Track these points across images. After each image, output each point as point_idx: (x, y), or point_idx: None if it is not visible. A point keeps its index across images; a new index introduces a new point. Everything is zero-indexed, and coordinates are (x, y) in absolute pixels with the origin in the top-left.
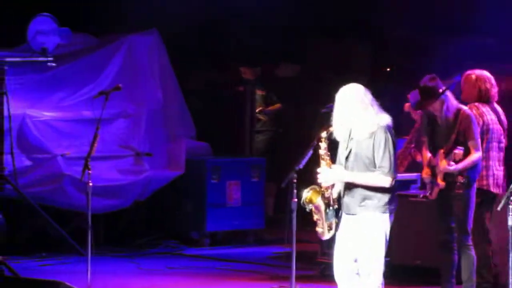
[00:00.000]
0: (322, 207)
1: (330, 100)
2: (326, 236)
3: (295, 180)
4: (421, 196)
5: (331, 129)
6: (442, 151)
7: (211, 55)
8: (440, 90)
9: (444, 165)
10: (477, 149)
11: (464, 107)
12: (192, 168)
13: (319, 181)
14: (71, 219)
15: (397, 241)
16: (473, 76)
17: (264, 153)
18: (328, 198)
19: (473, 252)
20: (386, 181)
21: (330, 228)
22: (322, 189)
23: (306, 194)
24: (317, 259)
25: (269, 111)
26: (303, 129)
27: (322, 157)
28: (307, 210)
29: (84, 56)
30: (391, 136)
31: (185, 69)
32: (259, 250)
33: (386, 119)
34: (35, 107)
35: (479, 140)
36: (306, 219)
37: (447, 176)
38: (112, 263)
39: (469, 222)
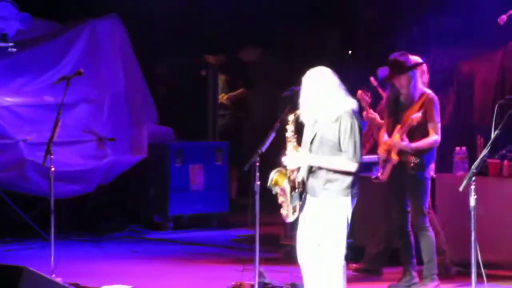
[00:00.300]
0: (288, 189)
1: (294, 83)
2: (291, 218)
3: (258, 164)
4: (373, 177)
5: (298, 111)
6: (399, 126)
7: (178, 41)
8: (409, 66)
9: (397, 139)
10: (436, 133)
11: (429, 91)
12: (155, 152)
13: (285, 163)
14: (34, 205)
15: (360, 222)
16: None
17: (227, 138)
18: (294, 181)
19: (430, 233)
20: (351, 166)
21: (294, 211)
22: (288, 172)
23: (273, 176)
24: (281, 242)
25: (232, 96)
26: (267, 113)
27: (289, 139)
28: (273, 192)
29: (45, 42)
30: (357, 121)
31: (151, 55)
32: (223, 233)
33: (352, 103)
34: None
35: (439, 124)
36: (270, 202)
37: (400, 155)
38: (76, 247)
39: (425, 203)
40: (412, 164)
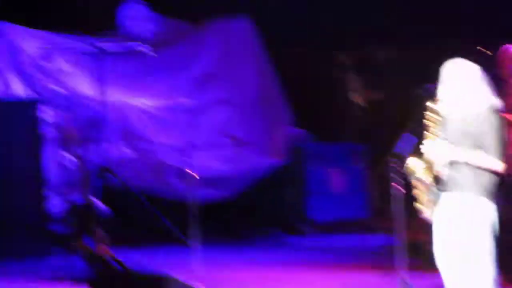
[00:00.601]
0: (426, 180)
1: (429, 81)
2: (427, 212)
3: (395, 165)
4: None
5: (439, 102)
6: None
7: (312, 41)
8: None
9: None
10: None
11: None
12: (293, 155)
13: (424, 154)
14: (175, 210)
15: None
16: None
17: (365, 139)
18: (432, 173)
19: None
20: (498, 165)
21: (430, 205)
22: (427, 162)
23: (411, 163)
24: (425, 248)
25: (368, 96)
26: (403, 112)
27: (430, 130)
28: (410, 180)
29: (178, 43)
30: (499, 120)
31: (285, 57)
32: (364, 239)
33: (495, 100)
34: (135, 95)
35: None
36: (412, 206)
37: None
38: (217, 253)
39: None
40: None
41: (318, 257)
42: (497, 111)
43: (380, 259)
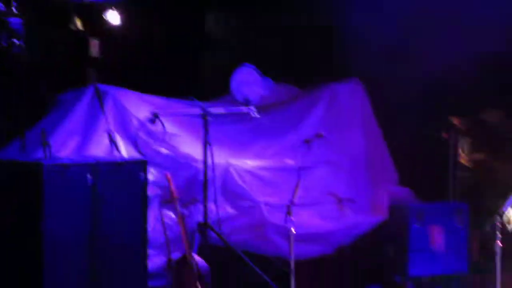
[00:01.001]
0: None
1: None
2: None
3: (499, 224)
4: None
5: None
6: None
7: (419, 103)
8: None
9: None
10: None
11: None
12: (395, 213)
13: None
14: (273, 266)
15: None
16: None
17: (467, 199)
18: None
19: None
20: None
21: None
22: None
23: (509, 213)
24: None
25: (474, 158)
26: (507, 174)
27: None
28: (509, 230)
29: (286, 106)
30: None
31: (392, 117)
32: None
33: None
34: (238, 156)
35: None
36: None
37: None
38: None
39: None
40: None
41: None
42: None
43: None
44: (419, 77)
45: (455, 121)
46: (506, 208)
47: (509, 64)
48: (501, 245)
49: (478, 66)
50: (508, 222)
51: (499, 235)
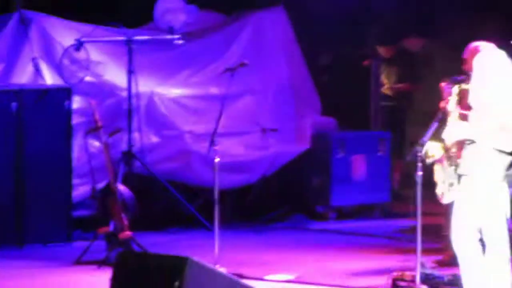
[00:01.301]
0: (445, 163)
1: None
2: (446, 198)
3: (420, 154)
4: None
5: (462, 85)
6: None
7: (341, 31)
8: None
9: None
10: None
11: None
12: (318, 142)
13: (443, 136)
14: (197, 195)
15: None
16: None
17: (389, 128)
18: (451, 157)
19: None
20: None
21: (450, 189)
22: (447, 145)
23: (429, 147)
24: (443, 232)
25: (397, 87)
26: (430, 104)
27: (451, 112)
28: (427, 163)
29: (211, 34)
30: None
31: (315, 45)
32: (385, 223)
33: None
34: (162, 84)
35: None
36: (432, 192)
37: None
38: (239, 238)
39: None
40: None
41: (339, 241)
42: None
43: (400, 243)
44: (343, 5)
45: (380, 50)
46: (427, 138)
47: None
48: (421, 174)
49: None
50: (427, 156)
51: (420, 164)
